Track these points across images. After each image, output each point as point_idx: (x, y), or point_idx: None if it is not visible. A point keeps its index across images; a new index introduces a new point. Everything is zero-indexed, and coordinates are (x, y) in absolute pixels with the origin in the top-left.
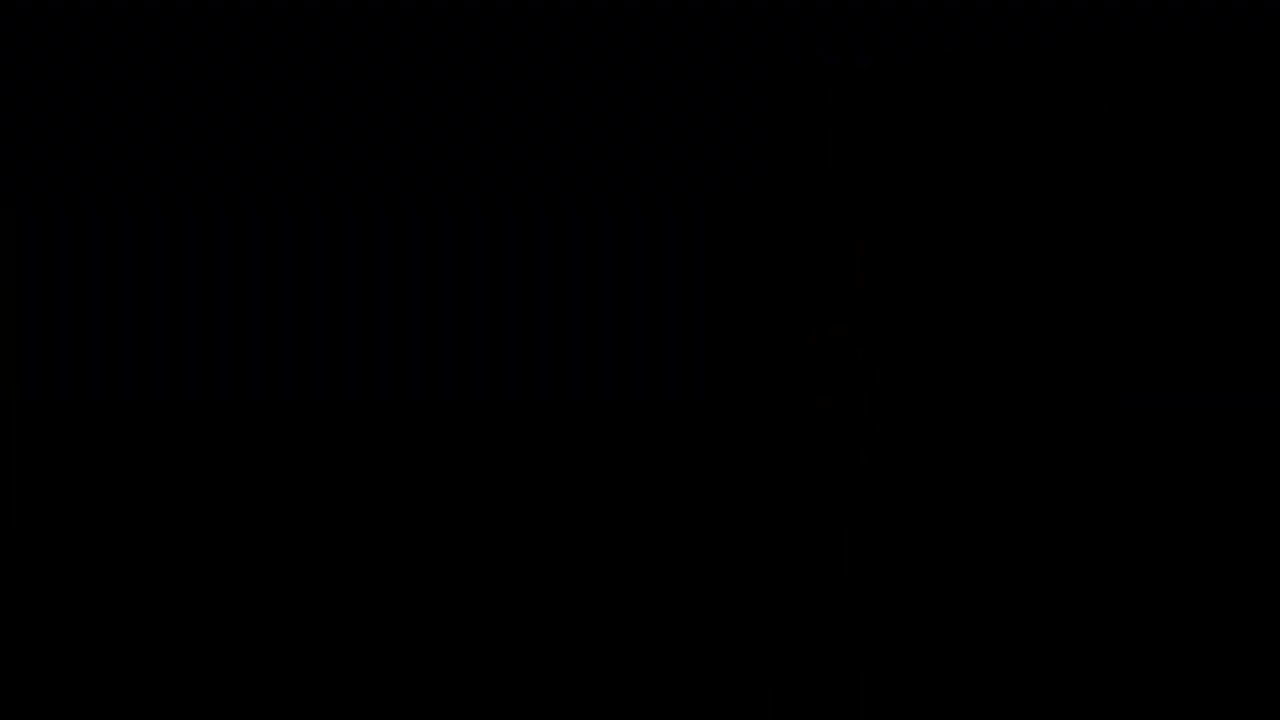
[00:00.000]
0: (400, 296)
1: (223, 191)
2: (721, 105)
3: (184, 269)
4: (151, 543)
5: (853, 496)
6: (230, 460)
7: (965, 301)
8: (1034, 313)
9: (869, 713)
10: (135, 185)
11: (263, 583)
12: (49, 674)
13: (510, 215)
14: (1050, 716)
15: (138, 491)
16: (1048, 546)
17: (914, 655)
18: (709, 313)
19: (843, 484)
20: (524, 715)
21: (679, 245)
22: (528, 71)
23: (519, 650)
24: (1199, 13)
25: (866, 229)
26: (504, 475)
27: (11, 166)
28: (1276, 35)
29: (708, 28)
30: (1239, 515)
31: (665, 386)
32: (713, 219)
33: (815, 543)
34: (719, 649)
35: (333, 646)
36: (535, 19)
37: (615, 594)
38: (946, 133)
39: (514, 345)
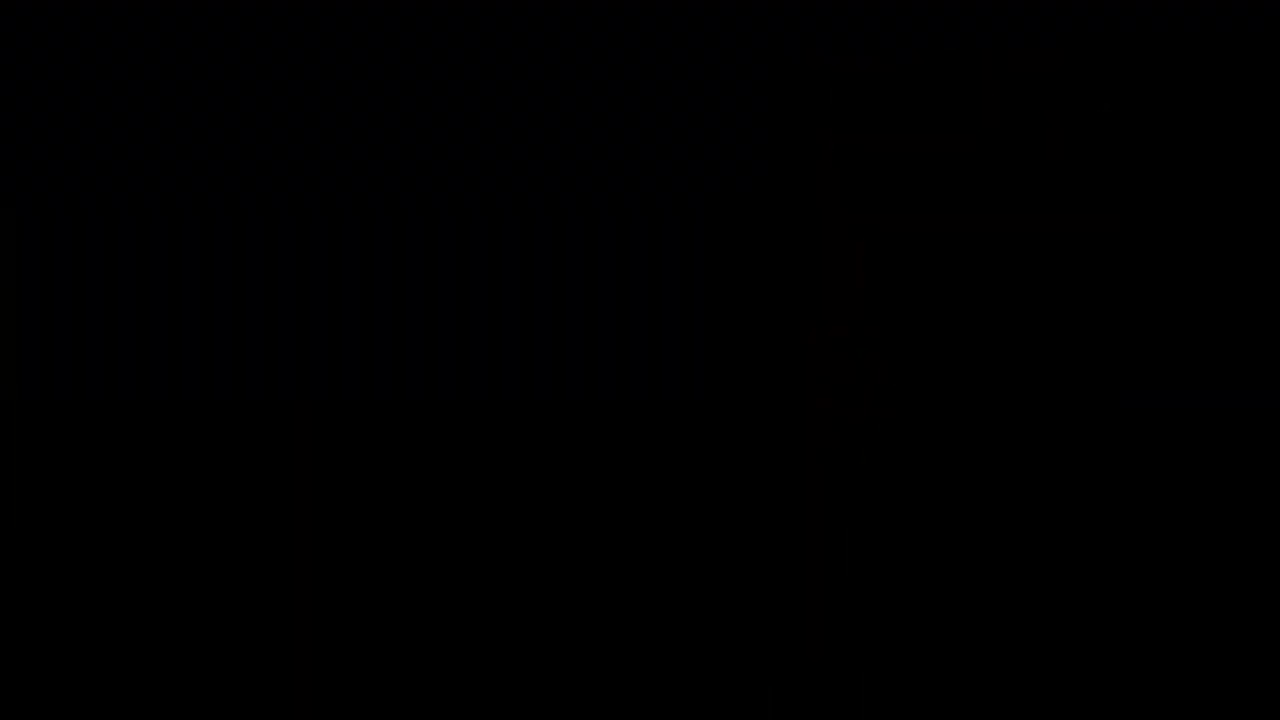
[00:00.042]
0: (400, 296)
1: (223, 191)
2: (721, 105)
3: (184, 269)
4: (152, 543)
5: (853, 496)
6: (230, 460)
7: (965, 301)
8: (1034, 313)
9: (869, 713)
10: (135, 185)
11: (263, 583)
12: (49, 674)
13: (510, 215)
14: (1050, 716)
15: (138, 491)
16: (1048, 546)
17: (914, 655)
18: (709, 313)
19: (843, 484)
20: (524, 715)
21: (679, 245)
22: (528, 71)
23: (519, 650)
24: (1199, 13)
25: (866, 229)
26: (504, 475)
27: (11, 166)
28: (1276, 35)
29: (708, 28)
30: (1239, 515)
31: (665, 386)
32: (713, 219)
33: (815, 543)
34: (719, 649)
35: (333, 646)
36: (535, 19)
37: (616, 594)
38: (946, 133)
39: (514, 345)
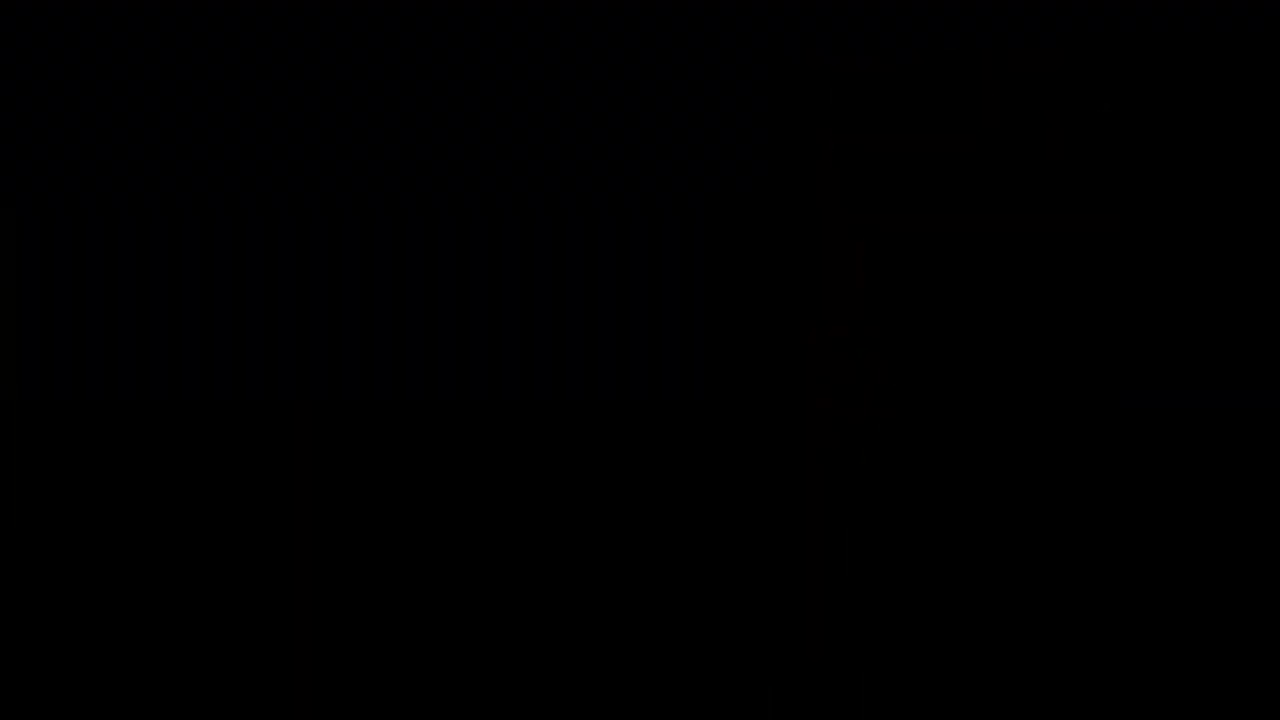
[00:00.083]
0: (400, 296)
1: (223, 191)
2: (721, 105)
3: (184, 269)
4: (152, 543)
5: (853, 496)
6: (230, 460)
7: (965, 301)
8: (1034, 313)
9: (869, 713)
10: (135, 185)
11: (263, 583)
12: (49, 674)
13: (510, 215)
14: (1050, 716)
15: (138, 491)
16: (1048, 546)
17: (914, 655)
18: (709, 313)
19: (843, 484)
20: (524, 715)
21: (679, 245)
22: (528, 71)
23: (519, 650)
24: (1199, 13)
25: (866, 229)
26: (504, 475)
27: (11, 166)
28: (1276, 35)
29: (708, 28)
30: (1239, 515)
31: (665, 386)
32: (713, 219)
33: (815, 543)
34: (719, 649)
35: (333, 646)
36: (535, 19)
37: (616, 594)
38: (946, 133)
39: (514, 345)
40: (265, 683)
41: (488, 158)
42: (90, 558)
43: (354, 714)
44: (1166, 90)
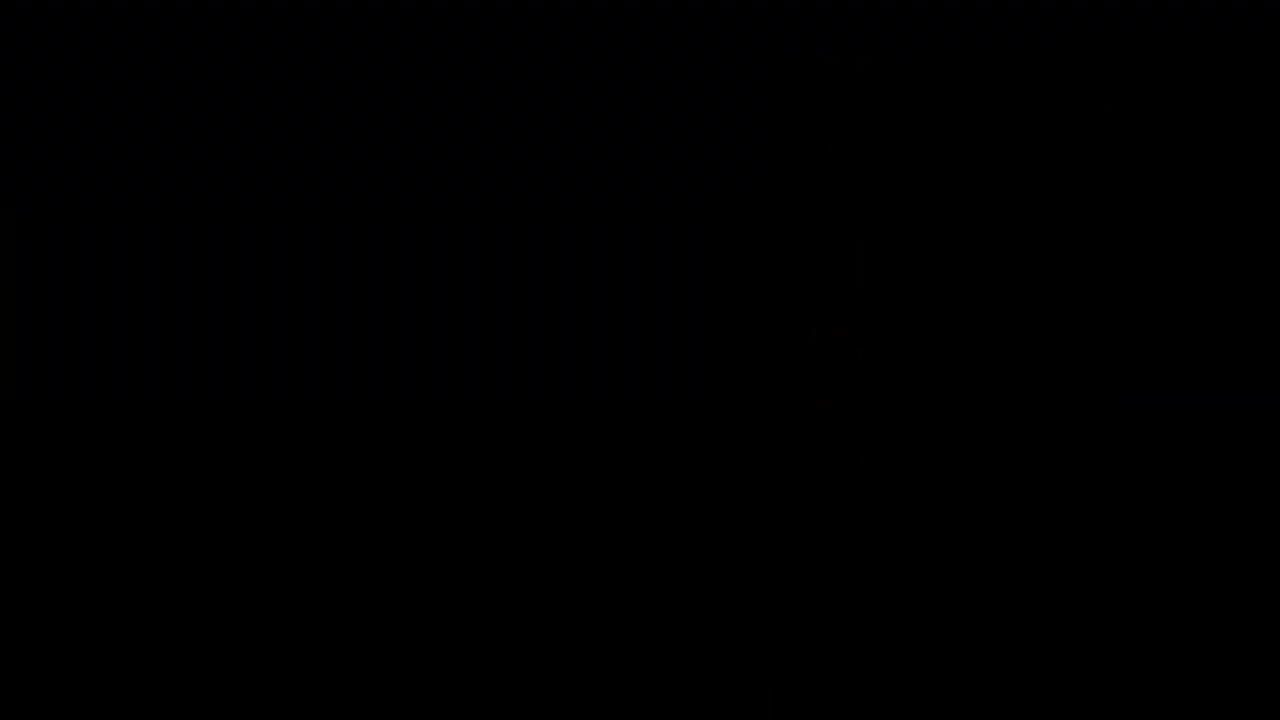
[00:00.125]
0: (400, 296)
1: (223, 191)
2: (721, 105)
3: (184, 269)
4: (152, 543)
5: (853, 496)
6: (230, 460)
7: (965, 301)
8: (1034, 313)
9: (869, 713)
10: (135, 185)
11: (263, 583)
12: (49, 674)
13: (510, 215)
14: (1050, 716)
15: (138, 491)
16: (1048, 546)
17: (914, 655)
18: (709, 313)
19: (843, 484)
20: (524, 715)
21: (679, 245)
22: (528, 71)
23: (519, 650)
24: (1199, 13)
25: (866, 229)
26: (504, 475)
27: (11, 166)
28: (1276, 35)
29: (708, 28)
30: (1239, 515)
31: (665, 386)
32: (713, 219)
33: (815, 543)
34: (719, 649)
35: (333, 646)
36: (535, 19)
37: (616, 594)
38: (946, 133)
39: (514, 345)
40: (265, 683)
41: (488, 158)
42: (90, 558)
43: (354, 714)
44: (1166, 90)
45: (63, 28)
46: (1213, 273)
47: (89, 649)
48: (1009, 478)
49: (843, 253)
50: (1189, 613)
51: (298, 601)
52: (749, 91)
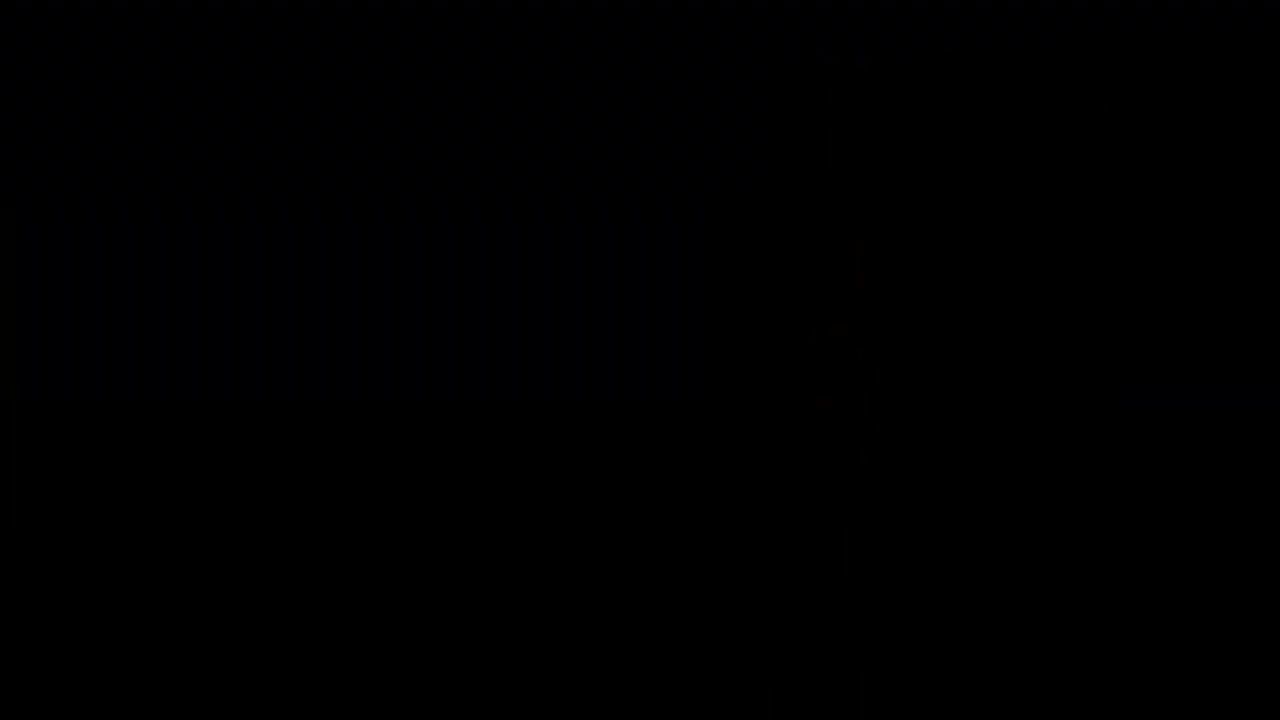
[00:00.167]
0: (400, 296)
1: (223, 191)
2: (721, 105)
3: (184, 269)
4: (152, 543)
5: (853, 496)
6: (230, 460)
7: (965, 301)
8: (1034, 313)
9: (869, 713)
10: (135, 185)
11: (263, 583)
12: (49, 674)
13: (510, 215)
14: (1050, 716)
15: (138, 491)
16: (1048, 546)
17: (914, 655)
18: (709, 313)
19: (843, 484)
20: (524, 715)
21: (679, 245)
22: (528, 71)
23: (519, 650)
24: (1199, 13)
25: (866, 229)
26: (504, 475)
27: (11, 166)
28: (1276, 35)
29: (708, 28)
30: (1239, 515)
31: (665, 386)
32: (713, 219)
33: (815, 543)
34: (719, 649)
35: (333, 646)
36: (535, 19)
37: (616, 594)
38: (946, 133)
39: (514, 345)
40: (265, 683)
41: (488, 158)
42: (91, 558)
43: (354, 714)
44: (1166, 90)
45: (63, 28)
46: (1213, 273)
47: (89, 649)
48: (1009, 478)
49: (843, 253)
50: (1189, 612)
51: (298, 601)
52: (749, 91)
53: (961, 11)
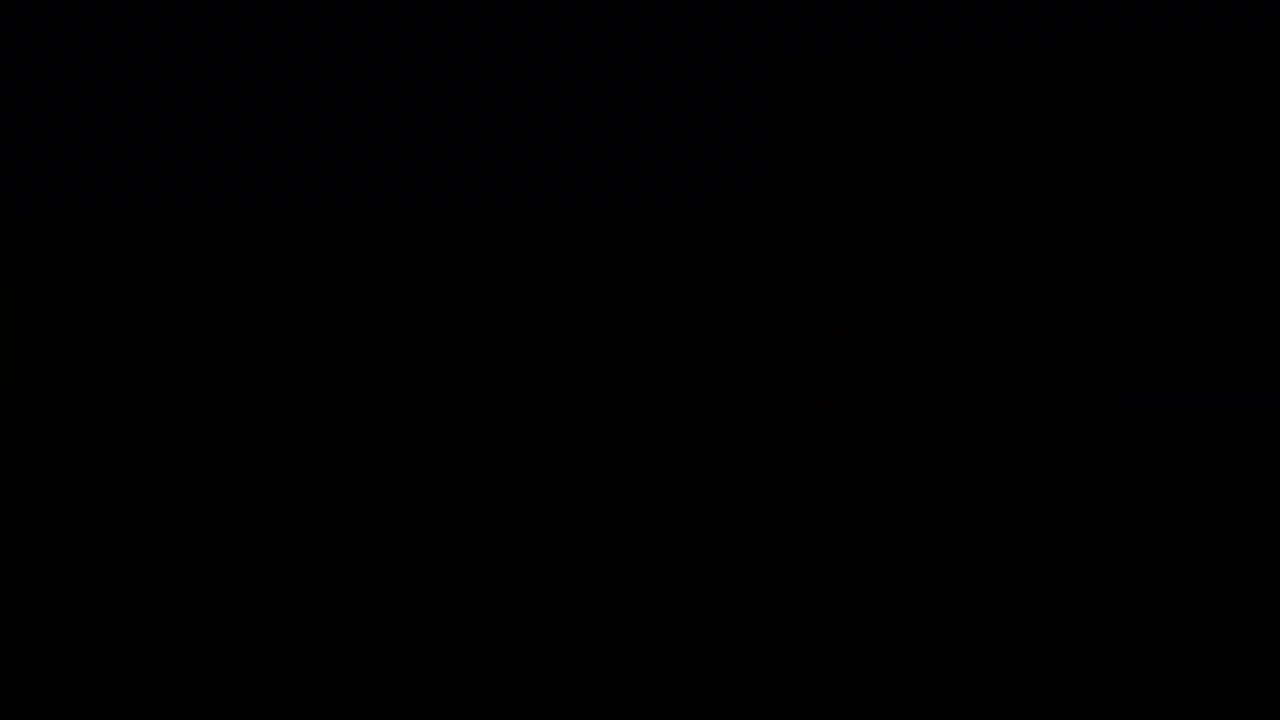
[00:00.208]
0: (400, 296)
1: (223, 191)
2: (721, 105)
3: (184, 269)
4: (152, 543)
5: (853, 496)
6: (230, 460)
7: (965, 301)
8: (1034, 313)
9: (869, 713)
10: (135, 185)
11: (263, 583)
12: (49, 674)
13: (510, 215)
14: (1050, 716)
15: (138, 491)
16: (1048, 546)
17: (914, 655)
18: (709, 313)
19: (843, 484)
20: (524, 715)
21: (679, 245)
22: (528, 71)
23: (519, 650)
24: (1199, 13)
25: (866, 229)
26: (504, 475)
27: (11, 166)
28: (1276, 35)
29: (708, 28)
30: (1239, 515)
31: (665, 386)
32: (713, 219)
33: (815, 543)
34: (719, 649)
35: (333, 646)
36: (535, 19)
37: (615, 594)
38: (946, 133)
39: (514, 345)
40: (265, 683)
41: (488, 158)
42: (90, 558)
43: (354, 714)
44: (1166, 90)
45: (63, 28)
46: (1213, 273)
47: (89, 649)
48: (1009, 478)
49: (843, 253)
50: (1189, 612)
51: (298, 601)
52: (749, 91)
53: (961, 11)
